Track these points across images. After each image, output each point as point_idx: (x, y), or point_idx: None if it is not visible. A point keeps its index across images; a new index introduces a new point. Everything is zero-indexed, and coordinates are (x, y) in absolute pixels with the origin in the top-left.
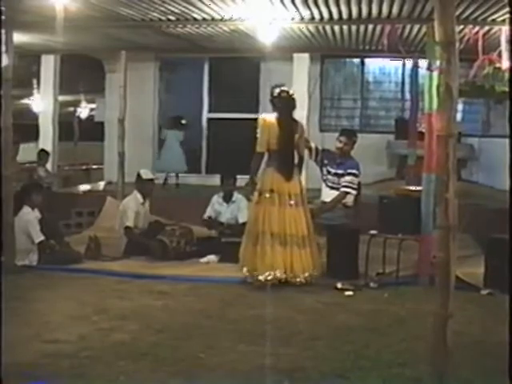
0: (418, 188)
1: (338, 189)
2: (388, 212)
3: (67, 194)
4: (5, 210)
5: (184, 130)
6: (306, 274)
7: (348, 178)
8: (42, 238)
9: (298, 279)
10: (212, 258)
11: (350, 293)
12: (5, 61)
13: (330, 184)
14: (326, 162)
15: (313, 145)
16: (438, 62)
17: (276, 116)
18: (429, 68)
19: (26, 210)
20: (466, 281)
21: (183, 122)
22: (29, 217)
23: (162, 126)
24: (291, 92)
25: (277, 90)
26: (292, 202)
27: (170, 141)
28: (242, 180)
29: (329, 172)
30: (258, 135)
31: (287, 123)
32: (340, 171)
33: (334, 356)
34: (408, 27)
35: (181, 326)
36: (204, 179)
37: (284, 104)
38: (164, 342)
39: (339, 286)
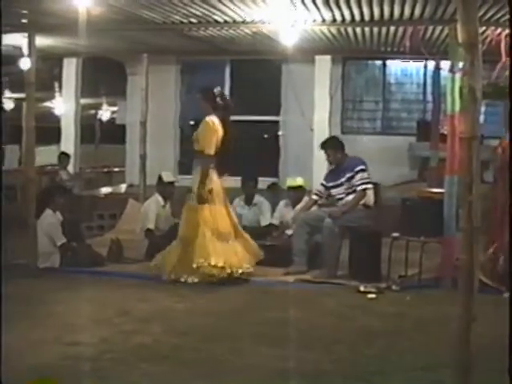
0: (441, 190)
1: (354, 191)
2: (410, 214)
3: (89, 197)
4: (27, 213)
5: None
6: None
7: (358, 176)
8: (64, 240)
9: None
10: None
11: (373, 296)
12: (28, 64)
13: (344, 193)
14: (327, 181)
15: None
16: (460, 64)
17: (220, 118)
18: (451, 70)
19: (49, 212)
20: (488, 283)
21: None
22: (51, 219)
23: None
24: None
25: (219, 90)
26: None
27: None
28: (263, 182)
29: (337, 185)
30: (206, 138)
31: (230, 125)
32: (348, 174)
33: (357, 359)
34: (430, 29)
35: (202, 329)
36: (225, 181)
37: (227, 106)
38: (186, 344)
39: (362, 288)
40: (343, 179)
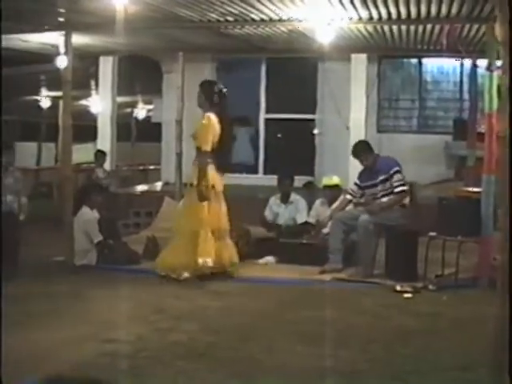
0: (478, 189)
1: (391, 193)
2: (447, 213)
3: (125, 195)
4: (64, 210)
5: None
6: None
7: (394, 177)
8: (100, 237)
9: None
10: (270, 259)
11: (409, 295)
12: (65, 62)
13: (380, 194)
14: (361, 181)
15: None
16: (498, 62)
17: (218, 115)
18: (489, 68)
19: (85, 210)
20: None
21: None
22: (88, 217)
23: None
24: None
25: (219, 87)
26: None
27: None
28: (298, 181)
29: (372, 185)
30: (202, 134)
31: (228, 122)
32: (382, 176)
33: (393, 359)
34: (467, 27)
35: (238, 327)
36: (261, 180)
37: (224, 101)
38: (221, 342)
39: (398, 288)
40: (377, 180)
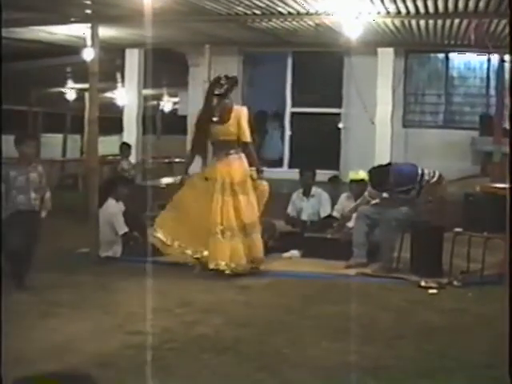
0: (504, 185)
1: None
2: (473, 209)
3: (150, 187)
4: (89, 202)
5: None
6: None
7: (424, 180)
8: (125, 229)
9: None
10: (295, 253)
11: (434, 291)
12: (91, 55)
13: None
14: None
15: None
16: None
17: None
18: None
19: (111, 202)
20: None
21: None
22: (113, 209)
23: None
24: None
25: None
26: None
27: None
28: (324, 175)
29: (393, 192)
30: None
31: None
32: (406, 187)
33: (418, 355)
34: (495, 22)
35: (263, 321)
36: (286, 173)
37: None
38: (247, 336)
39: (423, 283)
40: (399, 189)
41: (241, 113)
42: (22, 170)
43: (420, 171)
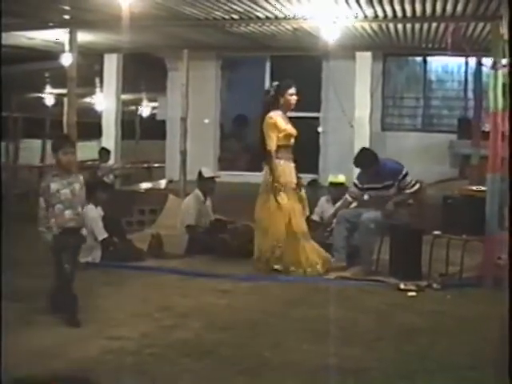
0: (482, 188)
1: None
2: (452, 212)
3: (129, 192)
4: None
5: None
6: None
7: (405, 180)
8: (105, 235)
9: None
10: None
11: (413, 293)
12: (69, 60)
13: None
14: (362, 183)
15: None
16: (503, 61)
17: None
18: (494, 66)
19: (90, 207)
20: None
21: None
22: (93, 214)
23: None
24: None
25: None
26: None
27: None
28: (304, 179)
29: (375, 188)
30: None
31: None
32: (388, 181)
33: (398, 357)
34: (472, 25)
35: (244, 325)
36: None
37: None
38: (227, 340)
39: (402, 286)
40: (381, 185)
41: None
42: (63, 180)
43: (404, 172)
